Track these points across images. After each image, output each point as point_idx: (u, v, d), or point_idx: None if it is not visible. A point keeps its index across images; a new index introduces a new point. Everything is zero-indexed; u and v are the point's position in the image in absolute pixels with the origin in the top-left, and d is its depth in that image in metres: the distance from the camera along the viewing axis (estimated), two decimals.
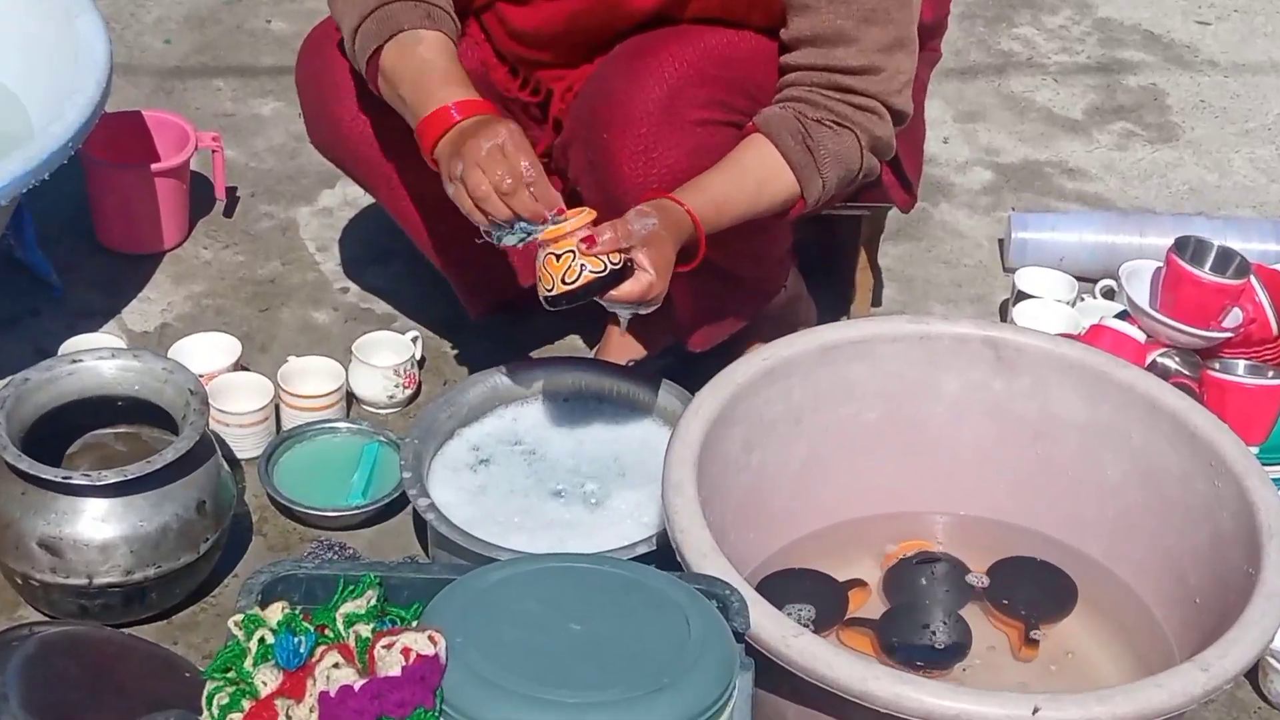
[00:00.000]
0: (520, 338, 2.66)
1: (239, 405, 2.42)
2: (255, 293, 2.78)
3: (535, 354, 2.64)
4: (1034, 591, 2.12)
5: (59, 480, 2.06)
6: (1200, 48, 3.75)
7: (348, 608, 1.58)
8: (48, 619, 2.13)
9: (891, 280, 2.92)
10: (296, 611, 1.57)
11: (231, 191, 2.97)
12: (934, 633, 2.05)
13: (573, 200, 2.02)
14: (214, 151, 2.87)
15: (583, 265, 1.94)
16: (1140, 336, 2.47)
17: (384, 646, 1.51)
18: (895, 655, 2.01)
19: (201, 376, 2.26)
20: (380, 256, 2.86)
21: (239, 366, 2.51)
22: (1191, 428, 2.04)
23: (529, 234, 1.95)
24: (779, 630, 1.72)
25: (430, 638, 1.51)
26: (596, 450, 2.31)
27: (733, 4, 2.18)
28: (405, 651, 1.50)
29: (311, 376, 2.48)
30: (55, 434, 2.21)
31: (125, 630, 2.09)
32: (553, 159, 2.27)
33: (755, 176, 2.11)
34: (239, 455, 2.41)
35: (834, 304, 2.73)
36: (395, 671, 1.49)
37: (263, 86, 3.34)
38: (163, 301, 2.75)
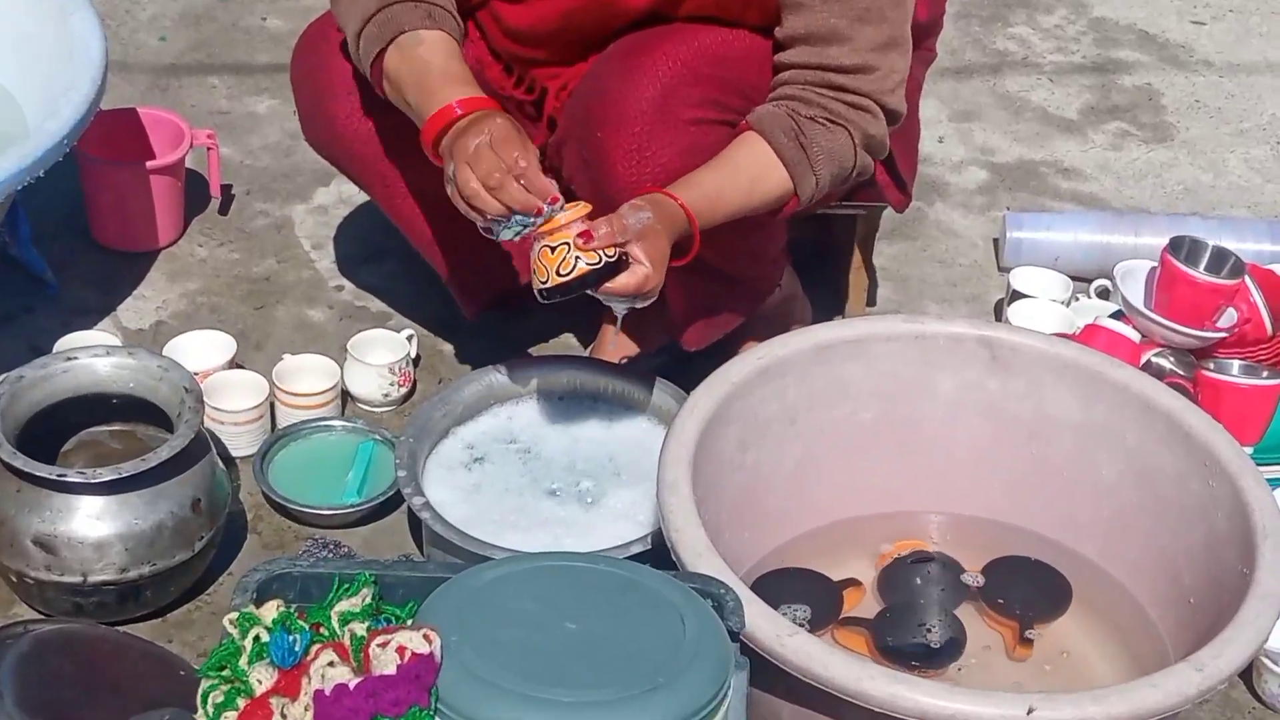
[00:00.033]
0: (515, 336, 2.66)
1: (234, 403, 2.41)
2: (250, 290, 2.78)
3: (530, 352, 2.63)
4: (1029, 591, 2.12)
5: (54, 478, 2.06)
6: (1195, 48, 3.75)
7: (343, 606, 1.58)
8: (42, 617, 2.12)
9: (886, 280, 2.92)
10: (291, 610, 1.57)
11: (226, 189, 2.97)
12: (929, 632, 2.05)
13: (567, 199, 2.02)
14: (209, 149, 2.87)
15: (577, 258, 1.93)
16: (1135, 336, 2.47)
17: (379, 645, 1.51)
18: (890, 655, 2.00)
19: (196, 374, 2.26)
20: (375, 254, 2.86)
21: (234, 364, 2.50)
22: (1186, 428, 2.04)
23: (525, 226, 1.95)
24: (774, 629, 1.72)
25: (425, 636, 1.50)
26: (591, 449, 2.31)
27: (728, 2, 2.18)
28: (400, 650, 1.49)
29: (306, 374, 2.48)
30: (50, 431, 2.20)
31: (120, 628, 2.09)
32: (547, 157, 2.27)
33: (749, 173, 2.11)
34: (234, 453, 2.41)
35: (829, 303, 2.73)
36: (390, 670, 1.48)
37: (258, 84, 3.33)
38: (157, 299, 2.75)
